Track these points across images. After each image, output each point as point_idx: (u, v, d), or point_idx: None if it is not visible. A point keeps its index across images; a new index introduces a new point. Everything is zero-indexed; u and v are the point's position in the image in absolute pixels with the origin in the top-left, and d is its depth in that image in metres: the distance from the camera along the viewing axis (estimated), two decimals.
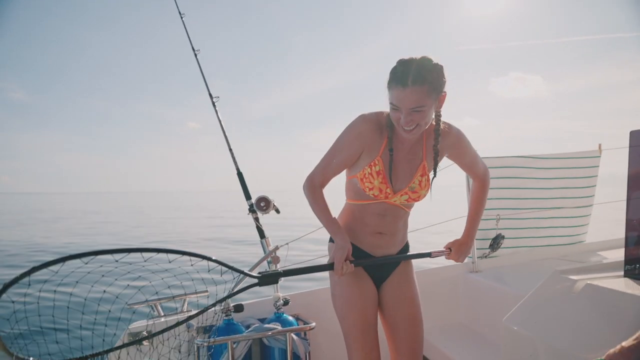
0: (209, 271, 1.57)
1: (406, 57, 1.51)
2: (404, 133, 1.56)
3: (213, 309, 1.66)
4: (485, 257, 2.99)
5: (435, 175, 1.72)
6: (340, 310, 1.77)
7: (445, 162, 1.81)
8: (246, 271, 1.67)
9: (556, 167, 3.14)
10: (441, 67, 1.52)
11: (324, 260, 1.87)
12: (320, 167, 1.71)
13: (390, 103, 1.52)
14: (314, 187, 1.71)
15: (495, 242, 2.97)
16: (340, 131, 1.69)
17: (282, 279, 1.69)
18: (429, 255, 1.82)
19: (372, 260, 1.78)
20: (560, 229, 3.22)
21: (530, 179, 3.12)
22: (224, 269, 1.58)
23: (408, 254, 1.84)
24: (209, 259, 1.54)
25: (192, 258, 1.50)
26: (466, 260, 2.99)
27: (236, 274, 1.62)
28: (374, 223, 1.76)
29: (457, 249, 1.85)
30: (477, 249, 2.94)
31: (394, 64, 1.52)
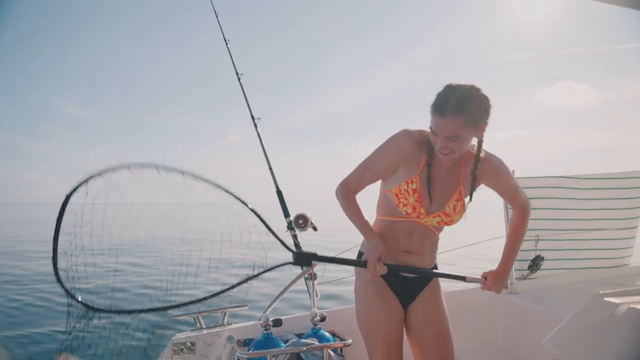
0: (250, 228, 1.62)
1: (454, 83, 1.54)
2: (442, 157, 1.60)
3: (247, 283, 1.70)
4: (524, 278, 2.94)
5: (470, 200, 1.73)
6: (365, 328, 1.76)
7: (482, 187, 1.81)
8: (284, 241, 1.70)
9: (599, 187, 3.08)
10: (486, 98, 1.54)
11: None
12: (356, 173, 1.73)
13: (430, 127, 1.56)
14: (348, 191, 1.73)
15: (534, 264, 2.92)
16: (382, 141, 1.72)
17: (317, 263, 1.68)
18: (463, 279, 1.77)
19: (407, 267, 1.75)
20: (602, 252, 3.14)
21: (571, 200, 3.06)
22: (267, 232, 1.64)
23: (443, 272, 1.80)
24: (247, 205, 1.62)
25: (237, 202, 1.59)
26: None
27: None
28: (402, 241, 1.75)
29: (492, 278, 1.78)
30: (515, 270, 2.90)
31: (441, 88, 1.55)
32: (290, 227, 2.62)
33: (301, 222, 2.53)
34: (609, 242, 3.14)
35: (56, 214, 1.41)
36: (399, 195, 1.69)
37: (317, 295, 2.47)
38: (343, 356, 2.26)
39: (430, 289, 1.82)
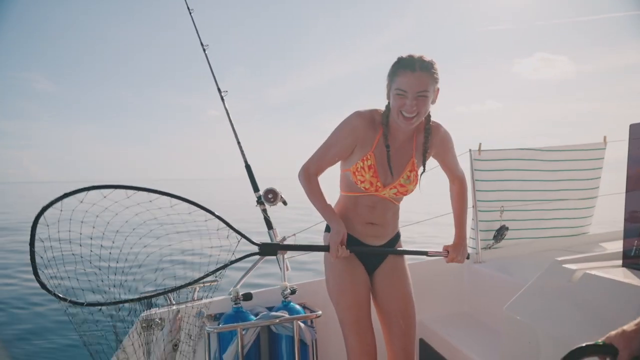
0: (217, 230, 1.73)
1: (405, 54, 1.63)
2: (404, 123, 1.65)
3: (214, 276, 1.87)
4: (489, 248, 3.04)
5: (424, 171, 1.83)
6: (334, 295, 1.87)
7: (433, 163, 1.92)
8: (248, 237, 1.82)
9: (561, 159, 3.17)
10: (436, 64, 1.63)
11: None
12: (315, 157, 1.81)
13: (397, 89, 1.61)
14: (309, 175, 1.81)
15: (499, 234, 3.01)
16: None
17: (282, 252, 1.83)
18: (425, 253, 1.92)
19: (368, 248, 1.89)
20: (564, 221, 3.26)
21: (534, 171, 3.14)
22: (230, 232, 1.74)
23: (405, 249, 1.94)
24: (214, 214, 1.73)
25: (202, 212, 1.75)
26: (470, 251, 3.05)
27: (241, 244, 1.77)
28: (365, 214, 1.86)
29: (453, 250, 1.94)
30: (481, 239, 2.98)
31: (395, 59, 1.64)
32: (259, 202, 2.60)
33: (270, 197, 2.51)
34: (570, 212, 3.26)
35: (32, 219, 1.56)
36: (356, 173, 1.78)
37: (287, 269, 2.48)
38: (313, 327, 2.29)
39: (392, 255, 1.94)
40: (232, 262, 1.84)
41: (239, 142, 2.74)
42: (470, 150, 2.98)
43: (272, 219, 2.58)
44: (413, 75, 1.57)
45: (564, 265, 1.74)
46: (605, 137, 3.27)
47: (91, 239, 1.70)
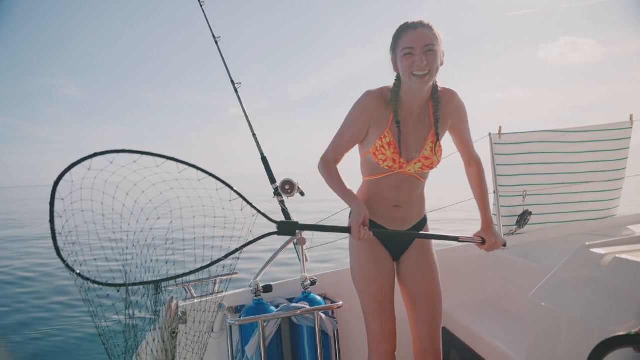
0: (230, 201, 1.69)
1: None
2: (417, 83, 1.62)
3: (233, 257, 1.79)
4: (512, 233, 2.97)
5: (438, 140, 1.75)
6: (359, 283, 1.85)
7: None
8: (266, 213, 1.75)
9: (586, 140, 3.06)
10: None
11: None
12: (332, 145, 1.79)
13: (404, 48, 1.60)
14: (327, 163, 1.78)
15: (522, 219, 2.94)
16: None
17: (300, 243, 1.75)
18: (456, 239, 1.79)
19: (392, 232, 1.83)
20: (590, 204, 3.16)
21: (558, 154, 3.05)
22: (244, 206, 1.70)
23: (434, 233, 1.83)
24: (231, 188, 1.69)
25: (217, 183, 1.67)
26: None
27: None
28: (390, 196, 1.81)
29: (488, 235, 1.81)
30: (503, 225, 2.92)
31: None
32: (277, 194, 2.59)
33: (287, 188, 2.50)
34: (596, 194, 3.16)
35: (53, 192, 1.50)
36: (377, 152, 1.74)
37: (306, 260, 2.47)
38: (335, 318, 2.28)
39: (419, 240, 1.89)
40: (249, 243, 1.77)
41: (254, 134, 2.73)
42: (490, 134, 2.91)
43: (290, 212, 2.58)
44: (416, 31, 1.58)
45: (592, 250, 1.68)
46: (631, 116, 3.15)
47: (109, 211, 1.66)
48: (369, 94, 1.73)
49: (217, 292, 2.44)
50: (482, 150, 2.80)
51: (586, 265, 1.64)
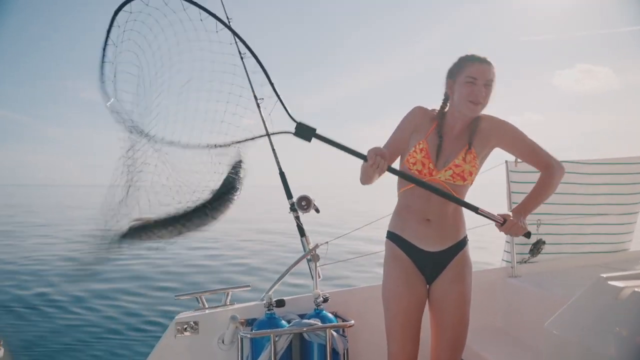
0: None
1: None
2: (470, 109, 1.72)
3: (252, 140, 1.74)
4: (525, 262, 2.96)
5: (470, 148, 1.78)
6: (386, 301, 1.85)
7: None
8: (288, 110, 1.69)
9: (601, 172, 3.08)
10: None
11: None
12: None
13: (467, 76, 1.70)
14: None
15: (536, 247, 2.94)
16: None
17: (314, 139, 1.64)
18: (476, 210, 1.67)
19: (411, 177, 1.73)
20: (603, 236, 3.15)
21: (573, 184, 3.06)
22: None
23: (459, 198, 1.73)
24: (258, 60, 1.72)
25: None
26: (505, 264, 2.98)
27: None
28: (420, 207, 1.81)
29: (510, 216, 1.69)
30: (516, 253, 2.91)
31: (456, 60, 1.77)
32: (292, 209, 2.62)
33: (304, 204, 2.53)
34: (610, 227, 3.15)
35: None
36: (409, 158, 1.81)
37: (319, 277, 2.48)
38: (345, 337, 2.28)
39: (455, 265, 1.84)
40: (264, 135, 1.79)
41: (273, 150, 2.76)
42: (506, 161, 2.93)
43: (305, 227, 2.60)
44: (482, 66, 1.70)
45: (609, 282, 1.68)
46: None
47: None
48: (418, 106, 1.86)
49: (229, 304, 2.46)
50: (498, 177, 2.81)
51: (604, 297, 1.64)
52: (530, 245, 2.96)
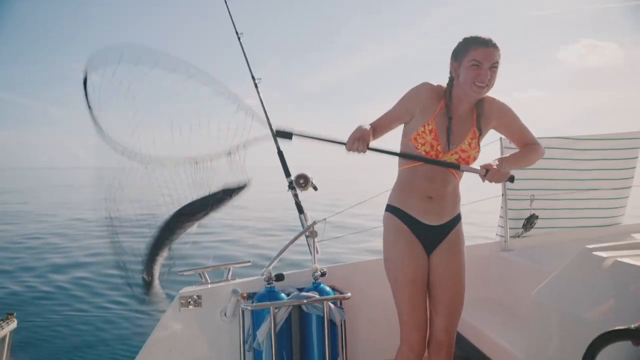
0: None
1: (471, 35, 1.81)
2: (475, 92, 1.76)
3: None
4: (518, 236, 3.03)
5: (480, 133, 1.87)
6: (393, 273, 1.92)
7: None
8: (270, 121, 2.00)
9: (594, 148, 3.12)
10: None
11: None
12: (380, 116, 1.92)
13: (472, 60, 1.73)
14: (365, 124, 1.87)
15: (529, 222, 3.00)
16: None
17: (294, 137, 1.91)
18: (457, 167, 1.81)
19: (392, 151, 1.87)
20: (595, 211, 3.21)
21: (567, 160, 3.11)
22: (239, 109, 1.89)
23: (440, 160, 1.83)
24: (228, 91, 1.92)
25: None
26: (498, 239, 3.05)
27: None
28: (423, 186, 1.88)
29: (491, 164, 1.77)
30: (509, 228, 2.98)
31: (461, 40, 1.80)
32: (291, 187, 2.67)
33: (302, 182, 2.58)
34: (602, 202, 3.21)
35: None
36: (417, 138, 1.85)
37: (317, 252, 2.55)
38: (343, 309, 2.37)
39: (451, 238, 1.94)
40: (248, 143, 1.94)
41: (271, 129, 2.81)
42: (500, 138, 2.97)
43: (303, 205, 2.66)
44: (487, 49, 1.73)
45: (594, 253, 1.75)
46: None
47: None
48: (425, 83, 1.87)
49: (230, 279, 2.55)
50: (493, 154, 2.86)
51: (588, 267, 1.71)
52: (524, 220, 3.03)
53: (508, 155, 1.97)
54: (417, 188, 1.89)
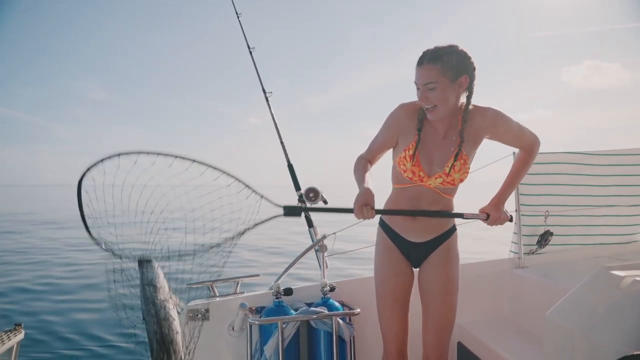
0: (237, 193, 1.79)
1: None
2: (428, 114, 1.72)
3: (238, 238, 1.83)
4: (532, 253, 2.97)
5: (459, 151, 1.77)
6: (376, 284, 1.99)
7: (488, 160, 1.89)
8: (270, 199, 1.84)
9: (609, 163, 3.06)
10: (465, 54, 1.66)
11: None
12: (369, 145, 1.93)
13: (414, 82, 1.71)
14: (360, 157, 1.92)
15: (543, 239, 2.94)
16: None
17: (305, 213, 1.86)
18: (461, 216, 1.85)
19: (396, 211, 1.89)
20: (613, 228, 3.14)
21: (582, 176, 3.05)
22: (250, 194, 1.79)
23: (441, 211, 1.86)
24: (236, 178, 1.77)
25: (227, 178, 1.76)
26: (512, 255, 2.99)
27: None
28: (408, 205, 1.87)
29: (492, 209, 1.86)
30: (524, 244, 2.93)
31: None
32: (301, 200, 2.67)
33: (312, 195, 2.57)
34: (620, 218, 3.14)
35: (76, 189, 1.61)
36: (400, 162, 1.83)
37: (326, 267, 2.53)
38: (351, 325, 2.33)
39: (439, 252, 1.93)
40: (259, 223, 1.84)
41: (282, 142, 2.81)
42: (514, 153, 2.93)
43: (313, 219, 2.65)
44: (419, 69, 1.67)
45: (611, 272, 1.69)
46: None
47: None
48: (401, 106, 1.82)
49: (239, 293, 2.52)
50: (505, 167, 2.81)
51: (605, 286, 1.66)
52: (538, 237, 2.96)
53: (501, 190, 1.91)
54: (402, 206, 1.89)
